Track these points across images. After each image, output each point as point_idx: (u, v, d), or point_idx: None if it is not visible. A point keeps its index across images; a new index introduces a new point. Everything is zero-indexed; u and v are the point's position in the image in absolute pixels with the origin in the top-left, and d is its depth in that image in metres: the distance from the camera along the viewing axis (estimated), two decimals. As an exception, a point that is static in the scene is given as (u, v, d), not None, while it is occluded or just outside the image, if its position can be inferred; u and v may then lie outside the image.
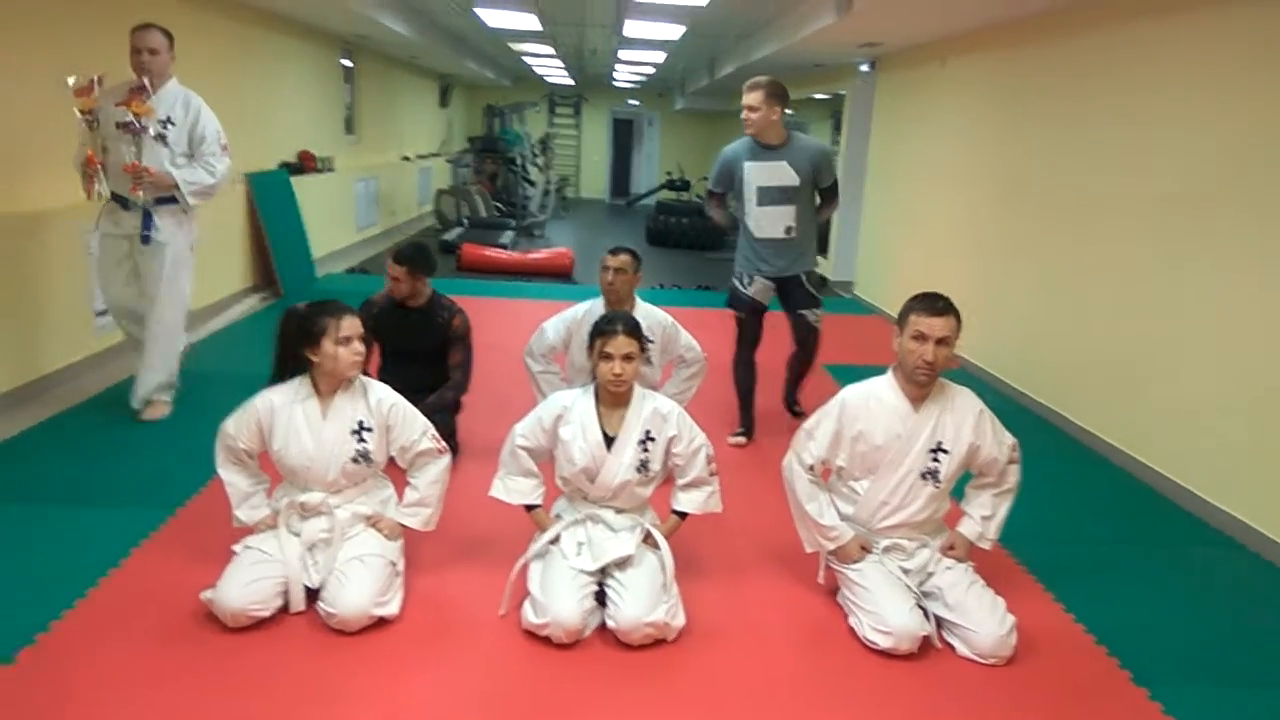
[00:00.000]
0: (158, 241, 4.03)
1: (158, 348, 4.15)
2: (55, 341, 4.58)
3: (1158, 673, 2.56)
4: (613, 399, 2.71)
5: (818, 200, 4.24)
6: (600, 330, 2.66)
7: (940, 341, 2.58)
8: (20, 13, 4.37)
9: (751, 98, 3.99)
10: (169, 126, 3.96)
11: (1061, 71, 5.16)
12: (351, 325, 2.63)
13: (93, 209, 4.11)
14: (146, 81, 3.89)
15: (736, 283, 4.27)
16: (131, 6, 5.29)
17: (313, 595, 2.60)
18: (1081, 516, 3.75)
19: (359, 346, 2.64)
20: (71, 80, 3.75)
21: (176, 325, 4.21)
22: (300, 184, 8.02)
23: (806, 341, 4.36)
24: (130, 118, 3.85)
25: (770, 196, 4.08)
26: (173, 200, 4.03)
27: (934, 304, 2.62)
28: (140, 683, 2.25)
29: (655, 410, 2.74)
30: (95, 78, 3.80)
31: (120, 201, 3.98)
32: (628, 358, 2.62)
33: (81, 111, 3.78)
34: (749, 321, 4.30)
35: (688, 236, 11.99)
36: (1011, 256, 5.64)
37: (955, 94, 6.72)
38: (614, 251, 3.81)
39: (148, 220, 4.00)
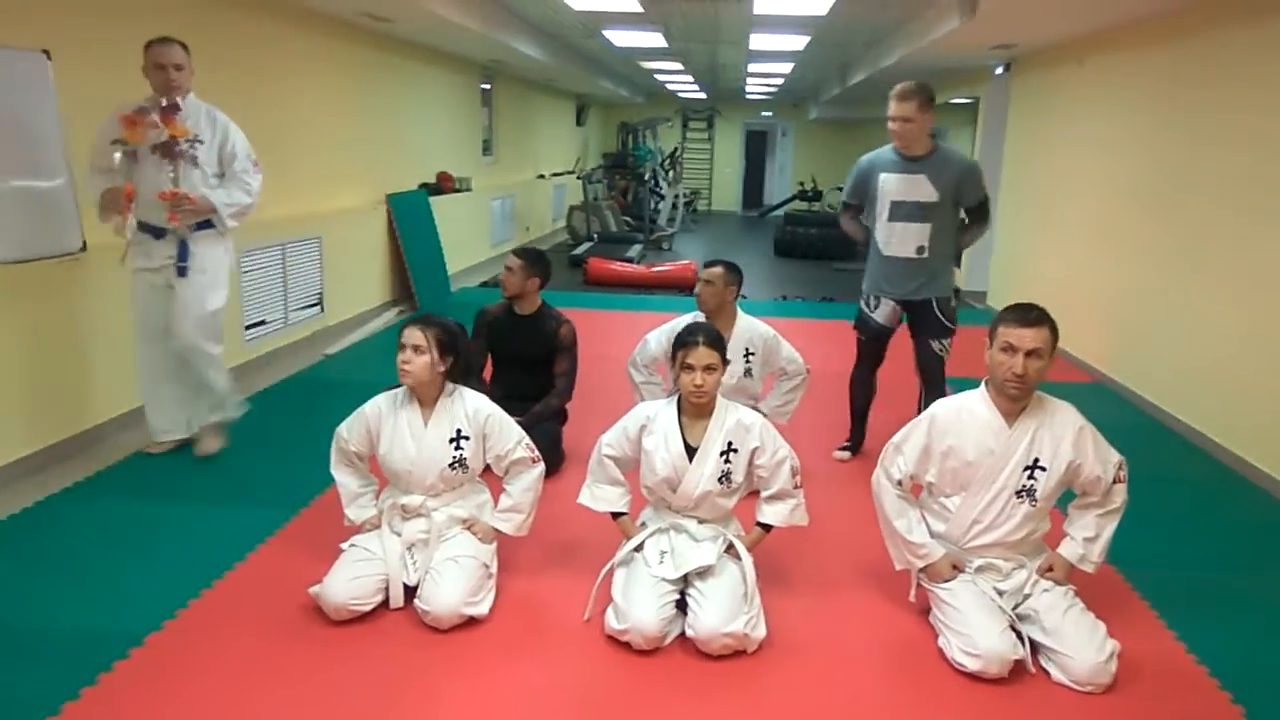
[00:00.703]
0: (194, 270, 3.76)
1: (198, 369, 3.89)
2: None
3: (1274, 710, 2.37)
4: (695, 410, 2.75)
5: (964, 219, 3.92)
6: (682, 342, 2.70)
7: (1030, 354, 2.49)
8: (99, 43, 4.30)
9: (905, 108, 3.66)
10: (197, 145, 3.68)
11: (1207, 68, 4.84)
12: (409, 335, 2.78)
13: (244, 229, 4.25)
14: (174, 100, 3.62)
15: (863, 304, 4.02)
16: (264, 40, 5.76)
17: (411, 592, 2.75)
18: (1212, 541, 3.50)
19: (408, 355, 2.76)
20: (122, 111, 3.57)
21: (210, 351, 3.89)
22: (438, 203, 8.45)
23: (928, 371, 3.95)
24: (168, 138, 3.59)
25: (904, 212, 3.77)
26: (209, 224, 3.78)
27: (1025, 315, 2.53)
28: (252, 668, 2.44)
29: (739, 422, 2.75)
30: (148, 107, 3.59)
31: (152, 232, 3.69)
32: (709, 369, 2.65)
33: (124, 142, 3.56)
34: (870, 347, 4.07)
35: (815, 247, 11.85)
36: (1157, 266, 5.31)
37: (1094, 94, 6.39)
38: (709, 264, 3.85)
39: (183, 250, 3.73)
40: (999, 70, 8.32)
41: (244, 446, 4.18)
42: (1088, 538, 2.66)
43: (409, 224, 7.72)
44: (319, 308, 6.33)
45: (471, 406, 2.89)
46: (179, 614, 2.68)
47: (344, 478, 2.94)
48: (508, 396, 3.49)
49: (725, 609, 2.55)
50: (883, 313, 3.95)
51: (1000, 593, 2.61)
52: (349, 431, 2.91)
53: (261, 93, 5.54)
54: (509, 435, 2.90)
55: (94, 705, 2.26)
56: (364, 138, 7.18)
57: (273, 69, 5.70)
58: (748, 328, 3.90)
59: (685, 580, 2.67)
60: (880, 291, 3.93)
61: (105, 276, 4.12)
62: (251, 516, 3.36)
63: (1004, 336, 2.53)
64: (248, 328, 5.41)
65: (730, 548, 2.74)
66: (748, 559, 2.70)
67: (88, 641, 2.52)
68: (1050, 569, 2.66)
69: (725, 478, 2.73)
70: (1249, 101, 4.42)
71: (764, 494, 2.82)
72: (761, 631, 2.60)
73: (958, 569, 2.68)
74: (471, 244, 9.69)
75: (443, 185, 8.78)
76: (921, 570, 2.73)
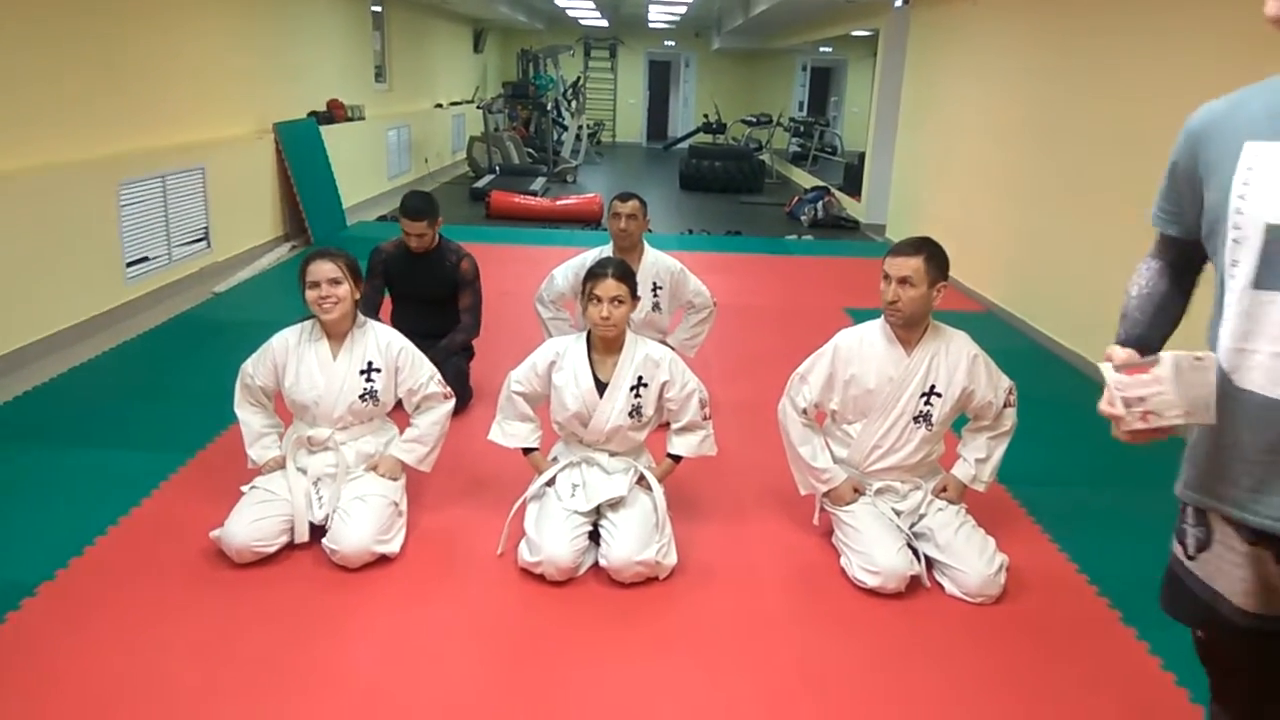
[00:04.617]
0: None
1: None
2: (86, 292, 4.72)
3: (1148, 614, 2.54)
4: (605, 345, 2.74)
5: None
6: (591, 274, 2.68)
7: (903, 281, 2.58)
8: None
9: None
10: None
11: (1096, 8, 4.98)
12: (317, 270, 2.70)
13: (120, 160, 3.98)
14: None
15: (1180, 550, 1.47)
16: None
17: (318, 531, 2.70)
18: (1092, 460, 3.72)
19: (324, 290, 2.69)
20: None
21: None
22: (330, 133, 8.09)
23: None
24: None
25: None
26: None
27: (901, 246, 2.65)
28: (151, 614, 2.37)
29: (648, 356, 2.76)
30: None
31: None
32: (616, 301, 2.64)
33: None
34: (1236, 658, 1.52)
35: (720, 180, 11.88)
36: (1042, 201, 5.51)
37: (986, 31, 6.52)
38: (623, 198, 3.80)
39: None
40: (899, 3, 8.39)
41: (131, 390, 4.00)
42: (979, 459, 2.79)
43: (299, 154, 7.39)
44: (205, 243, 6.03)
45: (383, 340, 2.84)
46: (72, 562, 2.57)
47: (248, 416, 2.85)
48: (410, 334, 3.40)
49: (637, 538, 2.59)
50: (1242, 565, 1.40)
51: (898, 513, 2.73)
52: (254, 366, 2.83)
53: (133, 11, 5.15)
54: (421, 370, 2.87)
55: (-17, 661, 2.16)
56: (247, 62, 6.78)
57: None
58: (655, 262, 3.89)
59: (597, 512, 2.70)
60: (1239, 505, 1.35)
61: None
62: (144, 461, 3.23)
63: (884, 267, 2.65)
64: (129, 265, 5.12)
65: (641, 479, 2.78)
66: (658, 489, 2.75)
67: (-28, 595, 2.40)
68: (944, 489, 2.79)
69: (635, 412, 2.74)
70: (1131, 40, 4.58)
71: (674, 426, 2.85)
72: (673, 559, 2.66)
73: (858, 492, 2.78)
74: (367, 176, 9.35)
75: (334, 114, 8.41)
76: (824, 494, 2.82)
